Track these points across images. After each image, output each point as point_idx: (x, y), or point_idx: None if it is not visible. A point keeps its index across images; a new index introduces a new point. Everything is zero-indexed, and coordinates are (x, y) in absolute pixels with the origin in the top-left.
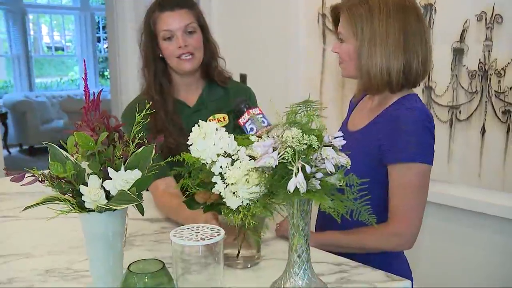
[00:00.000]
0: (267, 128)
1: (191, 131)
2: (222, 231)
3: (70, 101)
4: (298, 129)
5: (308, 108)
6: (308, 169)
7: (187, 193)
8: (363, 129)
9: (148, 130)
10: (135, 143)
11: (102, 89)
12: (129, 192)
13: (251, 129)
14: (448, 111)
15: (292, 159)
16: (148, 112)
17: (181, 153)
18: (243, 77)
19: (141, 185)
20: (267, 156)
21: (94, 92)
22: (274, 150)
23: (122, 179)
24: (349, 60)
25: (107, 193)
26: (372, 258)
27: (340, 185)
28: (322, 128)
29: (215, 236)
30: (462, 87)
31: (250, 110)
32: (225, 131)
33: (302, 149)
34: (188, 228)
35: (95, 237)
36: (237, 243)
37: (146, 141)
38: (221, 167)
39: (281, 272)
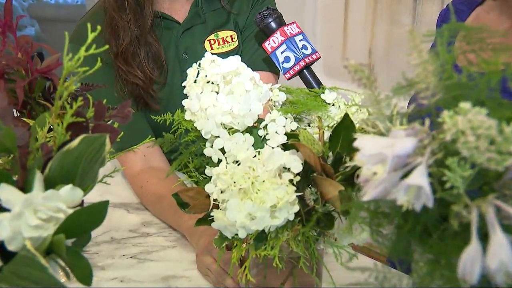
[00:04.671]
0: (312, 58)
1: (182, 61)
2: None
3: (40, 5)
4: (474, 110)
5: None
6: None
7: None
8: None
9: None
10: (65, 122)
11: None
12: (37, 256)
13: (286, 59)
14: None
15: (462, 188)
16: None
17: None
18: None
19: (86, 225)
20: (399, 183)
21: None
22: (416, 155)
23: (36, 212)
24: None
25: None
26: None
27: None
28: None
29: None
30: None
31: (285, 28)
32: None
33: (502, 168)
34: None
35: None
36: None
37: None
38: (221, 150)
39: None
